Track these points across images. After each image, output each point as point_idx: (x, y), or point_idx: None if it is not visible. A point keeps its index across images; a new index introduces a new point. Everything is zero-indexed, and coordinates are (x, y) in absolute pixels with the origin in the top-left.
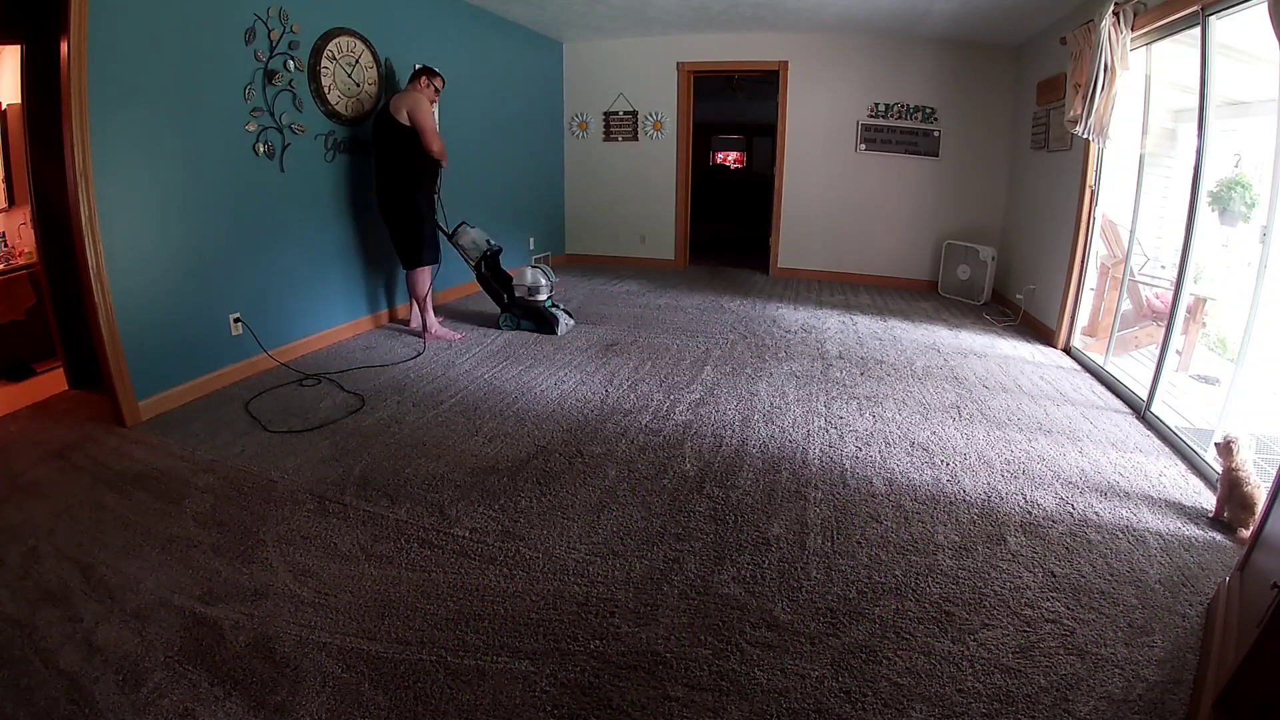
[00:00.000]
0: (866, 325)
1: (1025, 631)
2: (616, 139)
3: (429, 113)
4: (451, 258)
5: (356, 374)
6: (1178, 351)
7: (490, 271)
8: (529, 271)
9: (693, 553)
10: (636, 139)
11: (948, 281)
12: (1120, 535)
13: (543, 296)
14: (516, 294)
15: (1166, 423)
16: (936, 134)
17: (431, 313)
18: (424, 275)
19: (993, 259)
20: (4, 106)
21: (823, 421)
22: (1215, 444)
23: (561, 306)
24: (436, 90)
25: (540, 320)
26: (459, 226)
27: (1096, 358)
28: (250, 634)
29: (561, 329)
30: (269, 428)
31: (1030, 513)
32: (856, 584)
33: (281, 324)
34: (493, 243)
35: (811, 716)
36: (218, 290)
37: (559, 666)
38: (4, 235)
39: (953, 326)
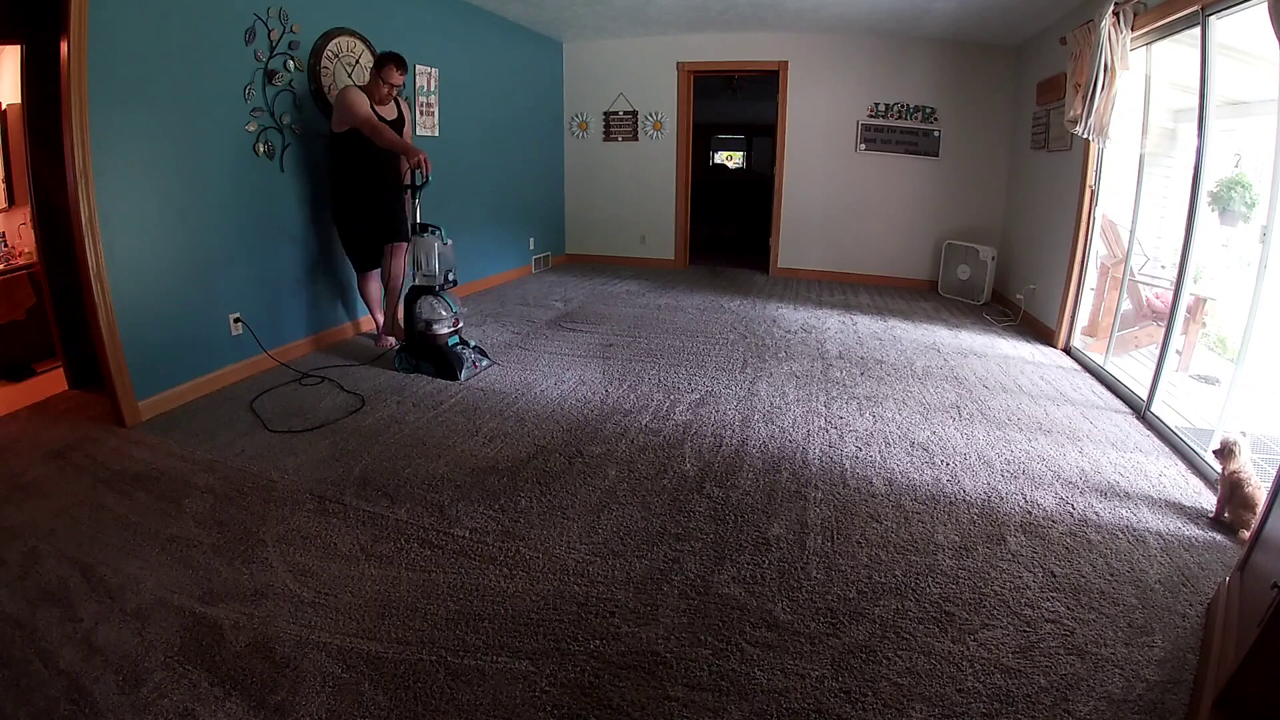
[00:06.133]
0: (866, 325)
1: (1025, 631)
2: (616, 139)
3: (358, 105)
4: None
5: (357, 374)
6: (1178, 351)
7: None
8: (425, 302)
9: (693, 553)
10: (636, 139)
11: (948, 281)
12: (1120, 535)
13: (444, 331)
14: (416, 328)
15: (1166, 423)
16: (936, 134)
17: (381, 316)
18: (362, 280)
19: (993, 259)
20: (4, 106)
21: (823, 421)
22: (1214, 450)
23: (473, 344)
24: (391, 85)
25: (440, 361)
26: (422, 232)
27: (1096, 358)
28: (250, 634)
29: (465, 374)
30: (269, 427)
31: (1030, 513)
32: (856, 584)
33: (281, 324)
34: (452, 278)
35: (811, 716)
36: (218, 290)
37: (559, 666)
38: (4, 235)
39: (953, 326)
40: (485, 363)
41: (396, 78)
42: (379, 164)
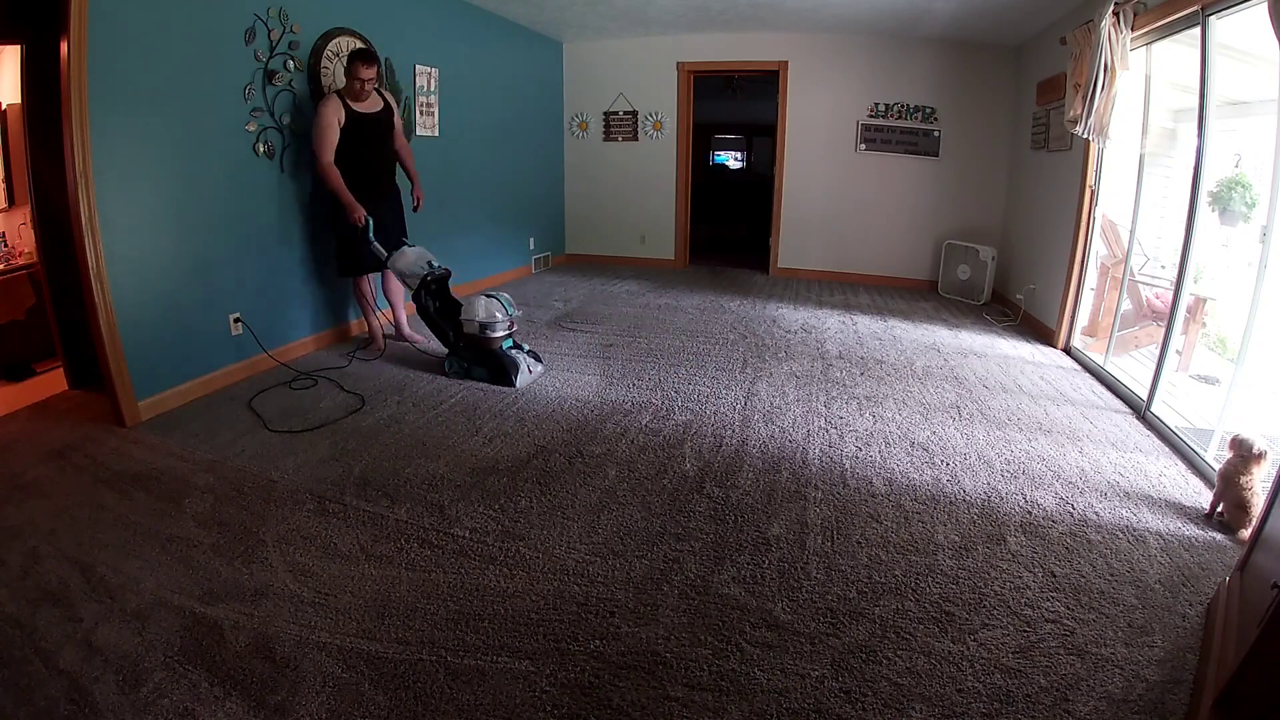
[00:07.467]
0: (866, 325)
1: (1025, 631)
2: (616, 139)
3: (324, 120)
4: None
5: (357, 374)
6: (1178, 351)
7: (436, 301)
8: (481, 302)
9: (693, 553)
10: (636, 139)
11: (948, 281)
12: (1120, 535)
13: (499, 334)
14: (465, 331)
15: (1166, 423)
16: (936, 134)
17: (376, 320)
18: (358, 283)
19: (993, 259)
20: (4, 106)
21: (823, 421)
22: (1230, 441)
23: (526, 348)
24: (361, 81)
25: (495, 367)
26: (396, 249)
27: (1096, 358)
28: (250, 634)
29: (522, 379)
30: (269, 427)
31: (1030, 513)
32: (856, 584)
33: (281, 324)
34: (436, 265)
35: (811, 716)
36: (217, 290)
37: (559, 666)
38: (4, 235)
39: (953, 326)
40: (539, 368)
41: (364, 72)
42: (364, 166)
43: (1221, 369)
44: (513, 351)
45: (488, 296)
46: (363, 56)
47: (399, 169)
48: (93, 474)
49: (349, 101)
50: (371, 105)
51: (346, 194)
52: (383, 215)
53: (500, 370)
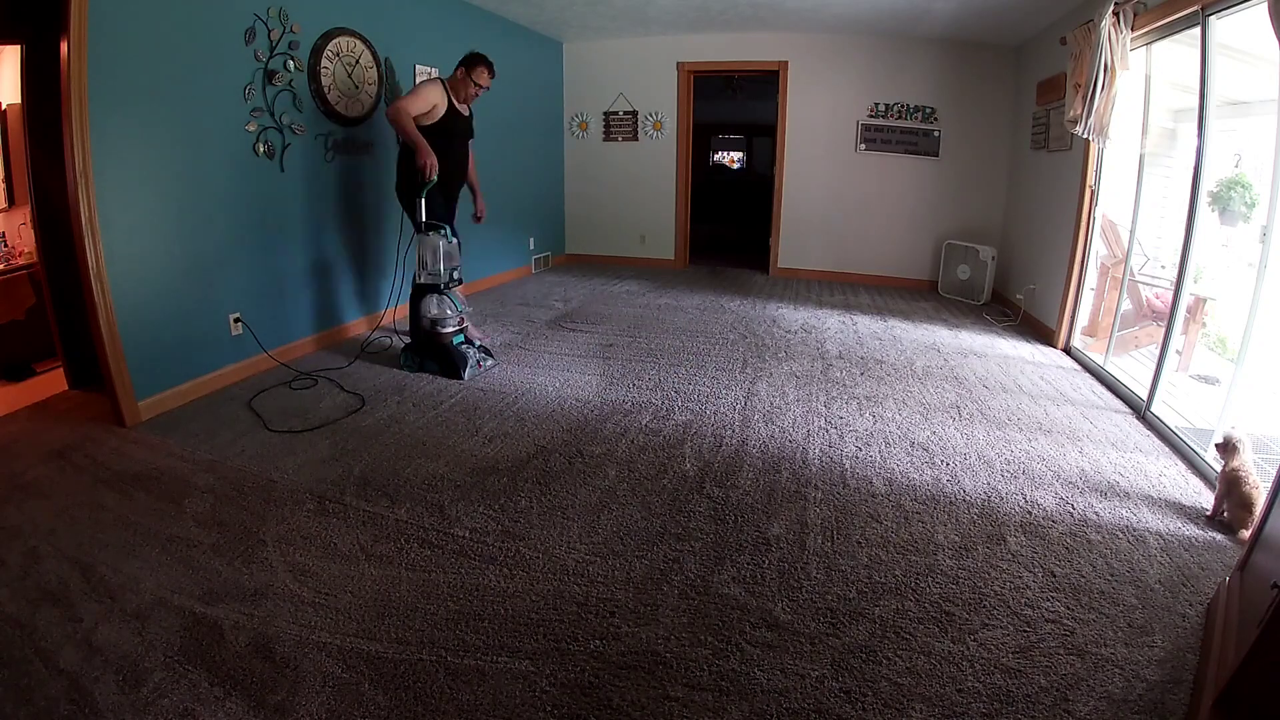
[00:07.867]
0: (866, 325)
1: (1025, 631)
2: (616, 139)
3: (425, 92)
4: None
5: (356, 374)
6: (1178, 351)
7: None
8: (433, 300)
9: (693, 553)
10: (636, 139)
11: (948, 281)
12: (1120, 535)
13: (450, 329)
14: (422, 326)
15: (1166, 423)
16: (936, 134)
17: None
18: None
19: (993, 259)
20: (4, 106)
21: (823, 421)
22: (1215, 444)
23: (479, 343)
24: (479, 87)
25: (444, 360)
26: (439, 229)
27: (1096, 358)
28: (250, 634)
29: (470, 373)
30: (269, 427)
31: (1030, 513)
32: (856, 584)
33: (281, 324)
34: (456, 274)
35: (811, 716)
36: (218, 290)
37: (559, 666)
38: (4, 235)
39: (953, 326)
40: (490, 362)
41: (487, 80)
42: (446, 162)
43: (1221, 369)
44: (463, 346)
45: (439, 294)
46: (489, 64)
47: None
48: (93, 474)
49: (453, 97)
50: (465, 109)
51: (422, 139)
52: (448, 218)
53: (450, 364)
